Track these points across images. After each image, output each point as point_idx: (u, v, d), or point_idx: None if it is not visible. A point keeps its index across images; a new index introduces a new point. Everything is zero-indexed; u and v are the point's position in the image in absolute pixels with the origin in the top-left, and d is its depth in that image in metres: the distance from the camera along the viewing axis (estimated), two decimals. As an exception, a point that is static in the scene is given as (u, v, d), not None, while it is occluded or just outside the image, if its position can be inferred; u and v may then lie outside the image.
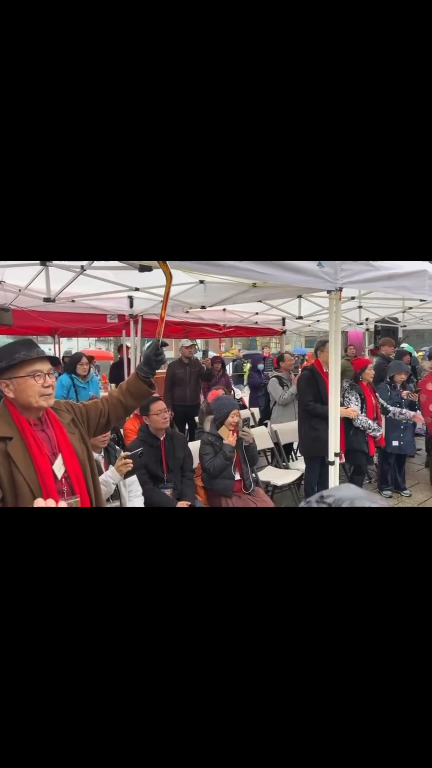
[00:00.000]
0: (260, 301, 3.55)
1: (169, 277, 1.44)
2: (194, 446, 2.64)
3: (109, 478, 1.79)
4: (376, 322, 5.56)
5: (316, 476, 2.88)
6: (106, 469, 1.87)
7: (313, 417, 2.80)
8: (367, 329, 6.05)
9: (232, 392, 5.26)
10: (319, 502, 0.46)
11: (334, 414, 2.24)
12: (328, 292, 2.25)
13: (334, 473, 2.27)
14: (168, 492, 2.24)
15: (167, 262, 1.41)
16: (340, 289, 2.22)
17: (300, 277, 2.06)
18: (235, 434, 2.39)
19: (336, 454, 2.27)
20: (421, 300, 3.21)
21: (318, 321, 4.69)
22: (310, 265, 2.06)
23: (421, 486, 3.75)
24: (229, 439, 2.38)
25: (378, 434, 3.07)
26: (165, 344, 1.39)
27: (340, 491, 0.46)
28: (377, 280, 2.35)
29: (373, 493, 0.49)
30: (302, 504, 0.49)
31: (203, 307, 3.15)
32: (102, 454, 2.01)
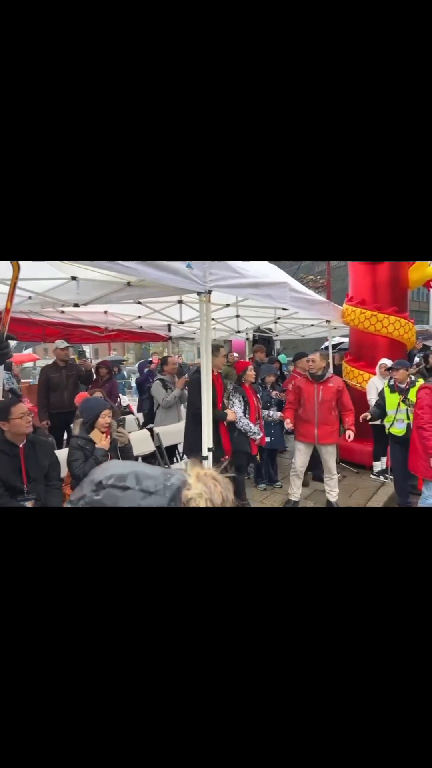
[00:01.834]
0: (139, 303, 3.51)
1: (15, 267, 1.33)
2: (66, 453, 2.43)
3: None
4: (253, 331, 6.05)
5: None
6: None
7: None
8: (247, 338, 6.55)
9: (118, 399, 5.08)
10: (96, 491, 0.44)
11: (207, 411, 2.33)
12: (198, 293, 2.34)
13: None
14: (29, 504, 2.00)
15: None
16: (209, 292, 2.34)
17: (170, 276, 2.09)
18: (108, 436, 2.29)
19: (209, 449, 2.36)
20: (283, 309, 3.60)
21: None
22: (180, 266, 2.11)
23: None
24: (102, 442, 2.26)
25: (258, 437, 3.28)
26: (12, 337, 1.27)
27: (107, 470, 0.45)
28: (243, 287, 2.54)
29: (141, 463, 0.49)
30: (72, 498, 0.47)
31: (76, 305, 2.96)
32: None
